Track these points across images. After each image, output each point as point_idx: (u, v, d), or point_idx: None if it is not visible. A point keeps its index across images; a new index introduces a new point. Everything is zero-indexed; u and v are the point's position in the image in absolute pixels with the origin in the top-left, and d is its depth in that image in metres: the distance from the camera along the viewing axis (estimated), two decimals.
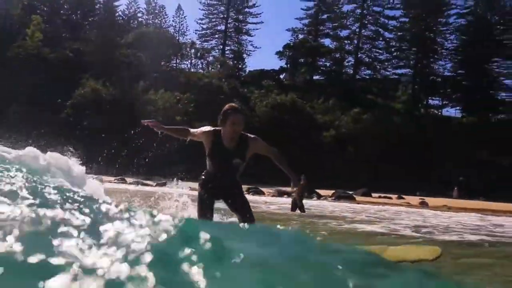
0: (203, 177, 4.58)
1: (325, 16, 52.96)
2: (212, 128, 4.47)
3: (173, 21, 57.55)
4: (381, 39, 50.59)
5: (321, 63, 50.76)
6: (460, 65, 49.67)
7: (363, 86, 49.37)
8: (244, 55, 56.70)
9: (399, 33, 50.55)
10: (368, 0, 50.09)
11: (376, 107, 43.91)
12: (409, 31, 49.82)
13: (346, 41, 51.38)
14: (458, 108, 50.50)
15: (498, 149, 39.92)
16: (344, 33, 51.81)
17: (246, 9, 55.88)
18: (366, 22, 50.40)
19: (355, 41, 50.44)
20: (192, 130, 4.62)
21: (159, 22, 57.57)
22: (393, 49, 50.80)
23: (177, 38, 54.82)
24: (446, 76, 50.80)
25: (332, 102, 43.37)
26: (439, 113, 49.66)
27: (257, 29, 61.62)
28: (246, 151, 4.45)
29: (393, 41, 51.02)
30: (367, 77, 51.21)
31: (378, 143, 39.21)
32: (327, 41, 52.44)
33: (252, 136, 4.49)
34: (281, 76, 51.78)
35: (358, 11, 50.37)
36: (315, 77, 50.95)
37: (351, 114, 41.57)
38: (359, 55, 50.07)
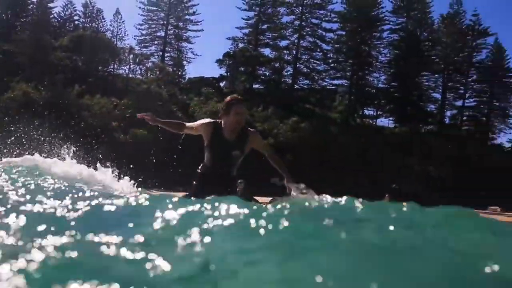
0: (199, 170, 4.54)
1: (265, 26, 53.63)
2: (212, 120, 4.47)
3: (110, 25, 56.04)
4: (319, 50, 51.87)
5: (260, 72, 51.29)
6: (393, 78, 51.88)
7: (301, 95, 50.33)
8: (184, 62, 56.31)
9: (336, 46, 52.08)
10: (306, 13, 51.28)
11: (314, 116, 44.88)
12: (345, 44, 51.46)
13: (285, 51, 52.25)
14: (391, 118, 52.69)
15: (427, 159, 41.92)
16: (283, 43, 52.73)
17: (187, 16, 55.57)
18: (304, 33, 51.52)
19: (294, 52, 51.43)
20: (188, 124, 4.59)
21: (96, 26, 55.99)
22: (330, 61, 52.23)
23: (115, 42, 53.52)
24: (380, 88, 52.88)
25: (271, 110, 43.86)
26: (374, 123, 51.48)
27: (197, 36, 61.41)
28: (246, 144, 4.44)
29: (330, 53, 52.48)
30: (305, 87, 52.24)
31: (316, 151, 40.03)
32: (266, 51, 53.15)
33: (252, 130, 4.53)
34: (221, 84, 51.80)
35: (297, 22, 51.43)
36: (255, 86, 51.42)
37: (289, 123, 42.21)
38: (297, 65, 51.03)
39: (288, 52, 52.18)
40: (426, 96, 52.48)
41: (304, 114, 44.45)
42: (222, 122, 4.40)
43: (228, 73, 51.89)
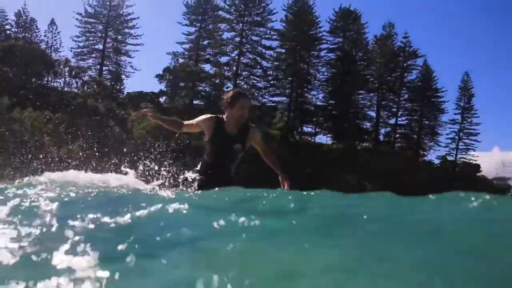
0: (197, 168, 4.60)
1: (206, 42, 53.72)
2: (214, 115, 4.56)
3: (45, 36, 54.01)
4: (258, 67, 52.48)
5: (201, 87, 51.09)
6: (331, 95, 53.35)
7: None
8: (123, 76, 55.17)
9: (275, 63, 52.92)
10: (246, 29, 51.88)
11: None
12: (285, 62, 52.42)
13: (225, 68, 52.44)
14: (329, 135, 54.00)
15: (364, 175, 43.20)
16: (223, 59, 52.92)
17: (126, 30, 54.61)
18: (244, 50, 52.01)
19: (234, 68, 51.72)
20: (187, 122, 4.65)
21: (29, 36, 53.81)
22: (270, 78, 52.95)
23: (50, 54, 51.60)
24: (318, 105, 54.15)
25: None
26: (312, 140, 52.53)
27: (137, 50, 60.34)
28: (247, 138, 4.53)
29: (270, 70, 53.19)
30: None
31: (254, 166, 40.20)
32: (207, 67, 53.08)
33: (253, 125, 4.61)
34: (161, 99, 51.12)
35: (238, 39, 51.93)
36: (195, 102, 51.13)
37: None
38: (238, 82, 51.31)
39: (228, 68, 52.44)
40: (362, 114, 54.34)
41: None
42: (225, 116, 4.50)
43: (168, 88, 51.32)
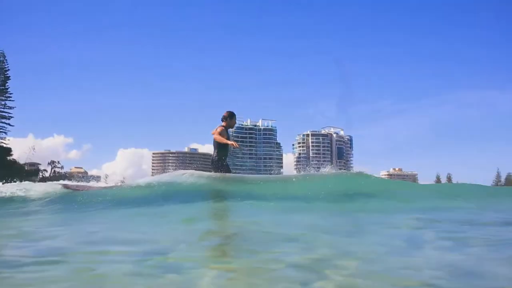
0: (219, 161, 7.94)
1: None
2: (223, 125, 8.04)
3: None
4: None
5: None
6: None
7: None
8: None
9: None
10: None
11: None
12: None
13: None
14: None
15: None
16: None
17: None
18: None
19: None
20: (221, 134, 7.93)
21: None
22: None
23: None
24: None
25: None
26: None
27: None
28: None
29: None
30: None
31: None
32: None
33: None
34: None
35: None
36: None
37: None
38: None
39: None
40: None
41: None
42: (225, 124, 8.04)
43: None
